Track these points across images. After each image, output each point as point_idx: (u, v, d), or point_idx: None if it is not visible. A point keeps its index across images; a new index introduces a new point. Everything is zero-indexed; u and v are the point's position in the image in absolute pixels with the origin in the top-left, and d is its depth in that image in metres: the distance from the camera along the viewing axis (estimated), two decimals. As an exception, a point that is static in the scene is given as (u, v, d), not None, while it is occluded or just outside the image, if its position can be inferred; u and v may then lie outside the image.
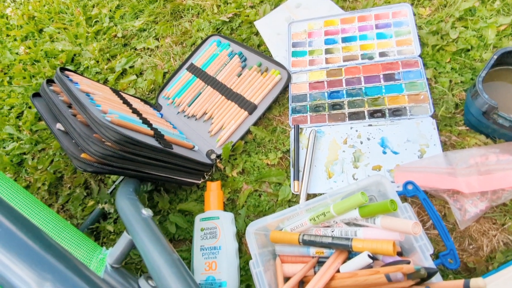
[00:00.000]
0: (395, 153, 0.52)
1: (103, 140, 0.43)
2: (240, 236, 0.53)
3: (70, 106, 0.51)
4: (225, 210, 0.55)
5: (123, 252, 0.35)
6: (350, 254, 0.42)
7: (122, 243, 0.35)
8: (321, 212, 0.43)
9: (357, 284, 0.38)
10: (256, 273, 0.41)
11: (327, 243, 0.42)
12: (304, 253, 0.44)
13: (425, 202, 0.43)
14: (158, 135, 0.52)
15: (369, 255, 0.39)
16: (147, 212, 0.37)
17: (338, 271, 0.41)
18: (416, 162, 0.50)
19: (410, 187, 0.45)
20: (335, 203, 0.42)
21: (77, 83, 0.55)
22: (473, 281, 0.33)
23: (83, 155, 0.43)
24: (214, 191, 0.55)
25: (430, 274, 0.37)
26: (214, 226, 0.52)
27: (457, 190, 0.46)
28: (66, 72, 0.58)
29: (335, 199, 0.43)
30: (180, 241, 0.55)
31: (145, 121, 0.55)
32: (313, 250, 0.44)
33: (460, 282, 0.34)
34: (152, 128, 0.53)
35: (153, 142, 0.49)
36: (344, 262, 0.42)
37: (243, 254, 0.51)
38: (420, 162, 0.50)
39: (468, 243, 0.45)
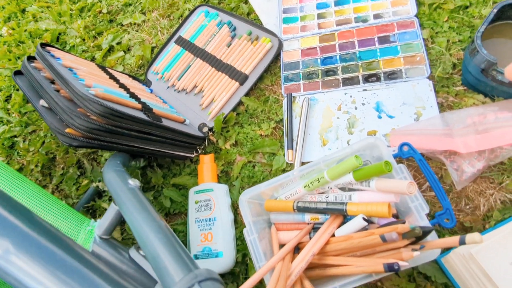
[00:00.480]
0: (391, 117, 0.51)
1: (88, 114, 0.42)
2: (235, 207, 0.52)
3: (53, 82, 0.49)
4: (219, 182, 0.54)
5: (112, 223, 0.34)
6: (345, 218, 0.42)
7: (110, 214, 0.34)
8: (315, 178, 0.43)
9: (352, 247, 0.38)
10: (250, 240, 0.41)
11: (322, 208, 0.41)
12: (299, 220, 0.44)
13: (421, 163, 0.42)
14: (146, 109, 0.51)
15: (364, 218, 0.38)
16: (133, 182, 0.36)
17: (333, 235, 0.41)
18: (412, 125, 0.49)
19: (405, 148, 0.43)
20: (329, 168, 0.42)
21: (59, 58, 0.53)
22: (469, 236, 0.32)
23: (67, 130, 0.42)
24: (207, 164, 0.54)
25: (425, 232, 0.37)
26: (208, 198, 0.51)
27: (454, 151, 0.45)
28: (48, 48, 0.56)
29: (329, 164, 0.42)
30: (176, 215, 0.55)
31: (133, 96, 0.54)
32: (308, 217, 0.43)
33: (456, 238, 0.33)
34: (140, 102, 0.52)
35: (141, 115, 0.47)
36: (339, 227, 0.41)
37: (239, 224, 0.51)
38: (416, 124, 0.49)
39: (464, 203, 0.44)
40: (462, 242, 0.33)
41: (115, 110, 0.42)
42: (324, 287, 0.37)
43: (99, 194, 0.60)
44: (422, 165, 0.42)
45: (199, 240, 0.49)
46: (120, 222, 0.36)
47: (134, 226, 0.28)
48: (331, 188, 0.43)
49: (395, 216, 0.42)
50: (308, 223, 0.44)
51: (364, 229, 0.39)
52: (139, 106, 0.50)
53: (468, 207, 0.44)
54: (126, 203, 0.31)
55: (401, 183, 0.37)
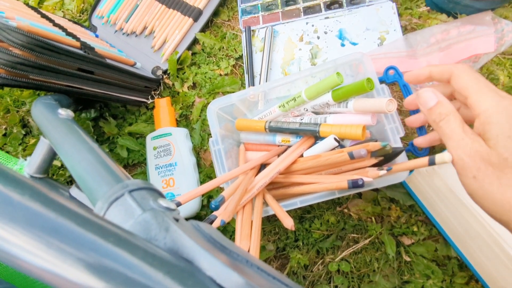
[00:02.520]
0: (354, 44, 0.48)
1: (10, 48, 0.36)
2: (197, 151, 0.50)
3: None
4: (178, 126, 0.50)
5: (44, 160, 0.31)
6: (316, 141, 0.40)
7: (40, 149, 0.30)
8: (291, 97, 0.40)
9: (319, 165, 0.36)
10: (214, 151, 0.38)
11: (294, 128, 0.39)
12: (270, 142, 0.42)
13: (404, 89, 0.40)
14: (86, 47, 0.45)
15: (335, 138, 0.36)
16: (65, 112, 0.31)
17: (302, 156, 0.39)
18: (375, 50, 0.46)
19: (391, 72, 0.39)
20: (307, 87, 0.38)
21: (-26, -7, 0.45)
22: (438, 156, 0.30)
23: (-13, 67, 0.36)
24: (163, 107, 0.50)
25: (396, 153, 0.35)
26: (167, 143, 0.48)
27: (417, 72, 0.43)
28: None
29: (305, 76, 0.39)
30: (135, 165, 0.52)
31: (70, 34, 0.47)
32: (279, 138, 0.41)
33: (425, 159, 0.32)
34: (79, 41, 0.46)
35: (78, 51, 0.42)
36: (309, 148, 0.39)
37: (202, 168, 0.49)
38: (379, 49, 0.46)
39: (427, 125, 0.44)
40: (432, 163, 0.31)
41: (43, 42, 0.36)
42: (285, 203, 0.35)
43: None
44: (406, 91, 0.39)
45: (160, 187, 0.47)
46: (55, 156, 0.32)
47: (63, 153, 0.24)
48: (307, 110, 0.41)
49: (369, 142, 0.41)
50: (279, 145, 0.42)
51: (334, 151, 0.37)
52: (77, 44, 0.44)
53: (431, 128, 0.43)
54: (54, 134, 0.27)
55: (380, 100, 0.34)
